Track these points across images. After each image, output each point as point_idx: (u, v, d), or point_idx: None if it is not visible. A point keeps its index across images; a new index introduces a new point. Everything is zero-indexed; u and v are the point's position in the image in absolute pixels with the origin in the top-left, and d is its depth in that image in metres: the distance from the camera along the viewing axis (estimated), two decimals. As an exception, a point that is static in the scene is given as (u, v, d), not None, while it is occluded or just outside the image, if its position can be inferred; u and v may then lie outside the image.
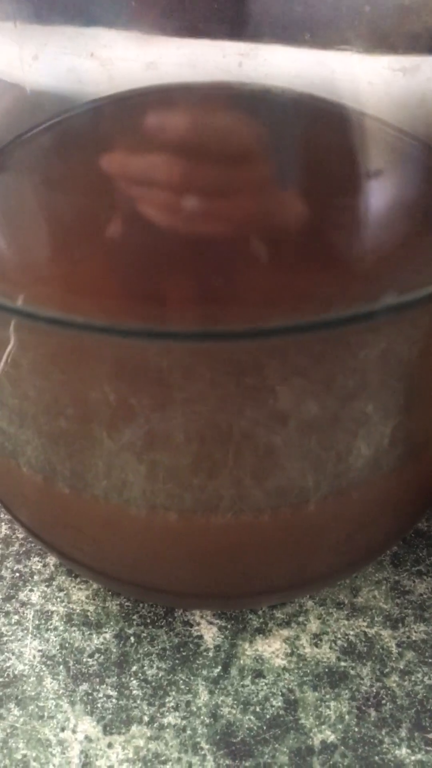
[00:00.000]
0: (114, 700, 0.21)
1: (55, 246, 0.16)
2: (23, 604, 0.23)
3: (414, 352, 0.16)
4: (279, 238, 0.13)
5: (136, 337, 0.15)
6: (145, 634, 0.23)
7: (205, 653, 0.22)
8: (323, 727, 0.21)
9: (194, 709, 0.21)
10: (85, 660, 0.22)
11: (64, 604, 0.23)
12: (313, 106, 0.19)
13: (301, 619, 0.23)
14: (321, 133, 0.16)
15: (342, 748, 0.21)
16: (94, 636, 0.23)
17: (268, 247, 0.13)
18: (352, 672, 0.22)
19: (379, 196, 0.14)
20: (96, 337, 0.15)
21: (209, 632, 0.23)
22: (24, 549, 0.25)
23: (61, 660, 0.22)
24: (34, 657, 0.22)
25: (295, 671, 0.22)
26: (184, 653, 0.22)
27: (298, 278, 0.13)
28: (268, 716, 0.21)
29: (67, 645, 0.23)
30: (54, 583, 0.24)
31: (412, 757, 0.20)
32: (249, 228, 0.13)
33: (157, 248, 0.14)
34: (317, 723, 0.21)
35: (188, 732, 0.21)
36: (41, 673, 0.22)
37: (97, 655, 0.22)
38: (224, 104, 0.17)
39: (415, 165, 0.18)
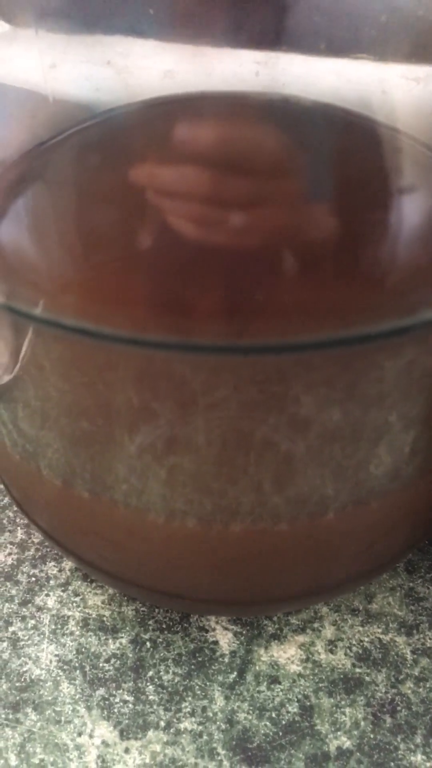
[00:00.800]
0: (130, 705, 0.22)
1: (78, 255, 0.16)
2: (39, 608, 0.23)
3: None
4: (309, 252, 0.13)
5: (162, 349, 0.15)
6: (161, 640, 0.23)
7: (220, 659, 0.22)
8: (339, 733, 0.21)
9: (210, 714, 0.21)
10: (101, 665, 0.22)
11: (80, 608, 0.24)
12: (334, 115, 0.19)
13: (316, 625, 0.23)
14: (345, 144, 0.17)
15: (358, 754, 0.21)
16: (110, 641, 0.23)
17: (298, 261, 0.13)
18: (368, 678, 0.22)
19: (408, 208, 0.14)
20: (121, 347, 0.15)
21: (225, 638, 0.23)
22: (40, 554, 0.25)
23: (77, 665, 0.22)
24: (51, 662, 0.22)
25: (311, 677, 0.22)
26: (199, 659, 0.22)
27: (326, 293, 0.13)
28: (283, 722, 0.21)
29: (83, 650, 0.23)
30: (70, 587, 0.24)
31: (428, 764, 0.21)
32: (279, 241, 0.13)
33: (185, 260, 0.14)
34: (333, 729, 0.21)
35: (205, 737, 0.21)
36: (58, 678, 0.22)
37: (113, 660, 0.22)
38: (252, 115, 0.17)
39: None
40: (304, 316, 0.13)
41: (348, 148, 0.16)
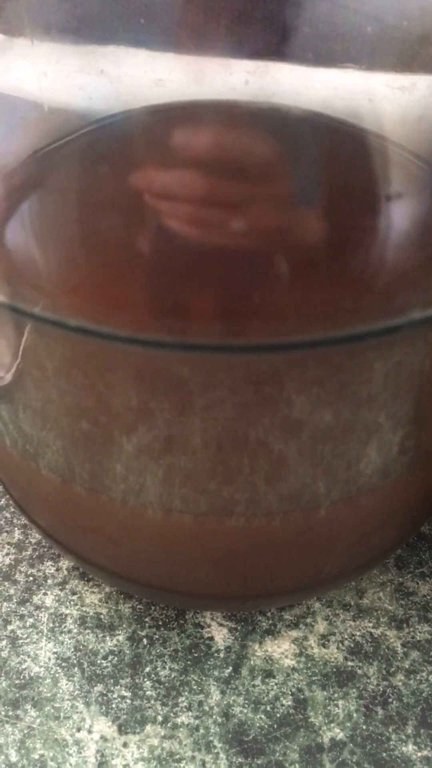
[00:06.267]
0: (128, 701, 0.22)
1: (78, 258, 0.17)
2: (37, 607, 0.24)
3: (426, 364, 0.16)
4: (301, 254, 0.14)
5: (161, 349, 0.15)
6: (157, 636, 0.23)
7: (216, 654, 0.23)
8: (332, 725, 0.22)
9: (207, 708, 0.22)
10: (99, 662, 0.23)
11: (77, 607, 0.24)
12: (322, 124, 0.20)
13: (308, 620, 0.24)
14: (334, 151, 0.17)
15: (351, 745, 0.21)
16: (108, 638, 0.23)
17: (290, 263, 0.14)
18: (359, 671, 0.23)
19: (395, 213, 0.14)
20: (120, 346, 0.16)
21: (220, 634, 0.23)
22: (37, 553, 0.25)
23: (75, 662, 0.23)
24: (50, 659, 0.23)
25: (304, 671, 0.23)
26: (195, 654, 0.23)
27: (318, 294, 0.14)
28: (278, 715, 0.22)
29: (81, 647, 0.23)
30: (67, 586, 0.24)
31: (419, 754, 0.21)
32: (272, 243, 0.14)
33: (183, 262, 0.15)
34: (326, 721, 0.22)
35: (201, 731, 0.21)
36: (56, 675, 0.22)
37: (110, 657, 0.23)
38: (245, 122, 0.18)
39: (422, 183, 0.19)
40: (297, 316, 0.14)
41: (337, 155, 0.17)
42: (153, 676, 0.23)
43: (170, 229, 0.15)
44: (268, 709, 0.22)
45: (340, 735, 0.21)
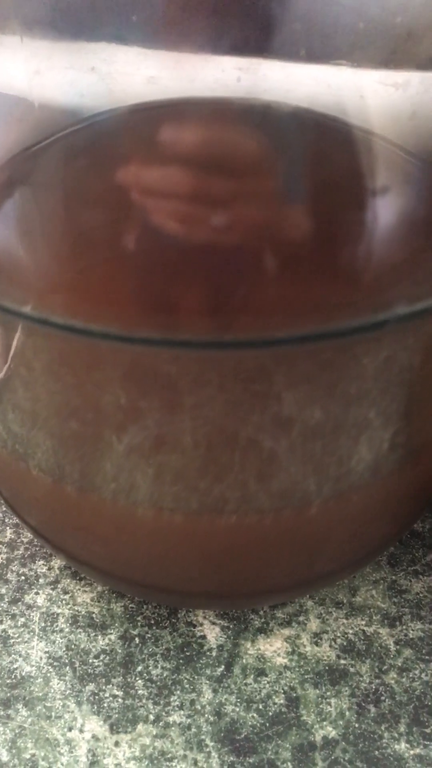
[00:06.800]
0: (120, 700, 0.22)
1: (66, 256, 0.17)
2: (29, 606, 0.24)
3: (415, 360, 0.16)
4: (288, 249, 0.14)
5: (150, 346, 0.15)
6: (149, 635, 0.23)
7: (208, 653, 0.23)
8: (324, 723, 0.22)
9: (199, 707, 0.22)
10: (90, 661, 0.23)
11: (69, 606, 0.24)
12: (313, 120, 0.20)
13: (301, 618, 0.24)
14: (324, 148, 0.17)
15: (343, 743, 0.21)
16: (100, 637, 0.23)
17: (278, 258, 0.14)
18: (352, 669, 0.23)
19: (383, 208, 0.14)
20: (108, 344, 0.16)
21: (212, 632, 0.23)
22: (29, 553, 0.25)
23: (67, 661, 0.23)
24: (41, 658, 0.23)
25: (297, 669, 0.23)
26: (187, 653, 0.23)
27: (306, 289, 0.14)
28: (270, 713, 0.22)
29: (73, 646, 0.23)
30: (59, 585, 0.24)
31: (411, 752, 0.21)
32: (260, 239, 0.14)
33: (171, 259, 0.15)
34: (318, 719, 0.22)
35: (193, 730, 0.21)
36: (48, 674, 0.22)
37: (102, 656, 0.23)
38: (234, 119, 0.18)
39: (412, 179, 0.19)
40: (284, 312, 0.13)
41: (326, 151, 0.17)
42: (145, 675, 0.22)
43: (159, 226, 0.15)
44: (261, 707, 0.22)
45: (333, 733, 0.21)
